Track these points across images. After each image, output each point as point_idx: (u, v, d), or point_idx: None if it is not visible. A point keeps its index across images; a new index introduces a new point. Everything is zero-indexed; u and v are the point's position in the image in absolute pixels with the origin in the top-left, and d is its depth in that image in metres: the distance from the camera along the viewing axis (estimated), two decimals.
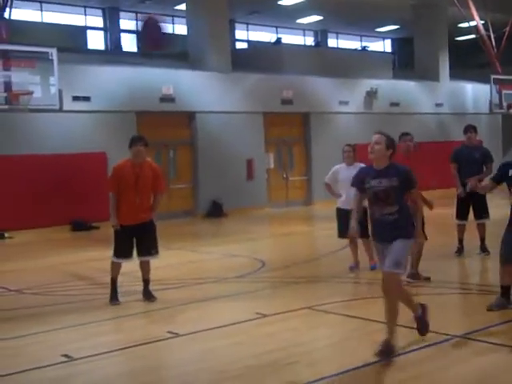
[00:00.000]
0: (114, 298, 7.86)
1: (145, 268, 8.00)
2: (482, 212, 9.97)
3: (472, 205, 9.96)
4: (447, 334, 5.93)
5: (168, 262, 11.12)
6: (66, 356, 5.76)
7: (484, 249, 10.06)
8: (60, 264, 11.27)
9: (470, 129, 10.26)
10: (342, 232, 9.39)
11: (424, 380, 4.91)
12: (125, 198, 7.77)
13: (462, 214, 10.08)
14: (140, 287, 8.07)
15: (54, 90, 14.96)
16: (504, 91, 23.29)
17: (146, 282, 8.02)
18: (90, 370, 5.50)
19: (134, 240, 7.83)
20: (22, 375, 5.38)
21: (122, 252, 7.84)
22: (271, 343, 5.98)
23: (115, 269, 7.94)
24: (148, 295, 7.94)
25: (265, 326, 6.65)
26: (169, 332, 6.41)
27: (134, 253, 7.91)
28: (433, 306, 7.18)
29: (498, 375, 5.02)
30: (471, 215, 10.13)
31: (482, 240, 10.08)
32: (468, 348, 5.69)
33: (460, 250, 10.14)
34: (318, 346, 6.01)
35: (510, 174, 6.47)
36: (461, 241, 10.13)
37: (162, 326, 6.67)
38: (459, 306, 7.60)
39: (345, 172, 9.21)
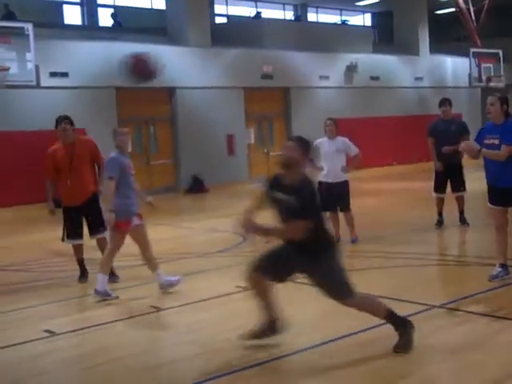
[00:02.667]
0: (82, 275, 7.81)
1: (102, 245, 7.72)
2: (459, 185, 10.06)
3: (449, 178, 10.05)
4: (426, 304, 6.02)
5: (151, 237, 11.07)
6: (48, 331, 5.77)
7: (463, 220, 10.18)
8: (41, 241, 11.22)
9: (445, 102, 10.29)
10: (324, 205, 9.44)
11: None
12: (64, 180, 7.73)
13: (439, 187, 10.16)
14: (120, 263, 8.04)
15: (30, 65, 14.74)
16: (483, 64, 23.40)
17: None
18: (72, 345, 5.52)
19: (84, 219, 7.78)
20: (3, 351, 5.39)
21: (74, 233, 7.77)
22: (253, 316, 6.02)
23: (77, 250, 7.85)
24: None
25: (247, 299, 6.68)
26: (151, 306, 6.43)
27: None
28: (413, 277, 7.30)
29: (476, 344, 5.11)
30: (449, 188, 10.22)
31: (461, 212, 10.19)
32: (446, 318, 5.78)
33: (440, 223, 10.24)
34: (301, 318, 6.06)
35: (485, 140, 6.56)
36: (440, 213, 10.23)
37: (143, 301, 6.69)
38: (438, 277, 7.71)
39: (327, 145, 9.25)
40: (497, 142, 6.47)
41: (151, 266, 7.15)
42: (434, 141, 10.16)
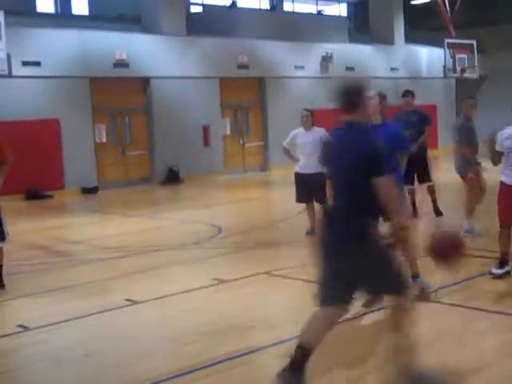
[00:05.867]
0: None
1: None
2: (424, 176, 10.14)
3: (416, 169, 10.04)
4: None
5: (125, 229, 11.06)
6: (21, 326, 5.70)
7: (436, 210, 10.25)
8: (14, 233, 10.97)
9: (408, 93, 10.43)
10: (300, 197, 9.47)
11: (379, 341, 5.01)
12: None
13: (407, 179, 10.22)
14: (99, 255, 7.95)
15: (2, 54, 14.48)
16: (458, 55, 23.53)
17: None
18: (45, 339, 5.45)
19: None
20: None
21: None
22: (229, 308, 6.01)
23: None
24: None
25: (222, 291, 6.68)
26: (126, 300, 6.38)
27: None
28: None
29: (449, 334, 5.15)
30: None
31: (434, 201, 10.28)
32: (422, 308, 5.80)
33: (414, 214, 10.25)
34: (276, 311, 6.06)
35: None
36: (413, 204, 10.24)
37: (119, 294, 6.62)
38: None
39: (303, 136, 9.23)
40: None
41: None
42: None
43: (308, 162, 9.18)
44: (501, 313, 5.48)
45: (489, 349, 4.73)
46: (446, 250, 4.56)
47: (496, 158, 6.46)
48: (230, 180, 19.06)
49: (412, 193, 10.20)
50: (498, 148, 6.40)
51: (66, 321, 5.84)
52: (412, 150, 9.77)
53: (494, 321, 5.36)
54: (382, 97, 5.64)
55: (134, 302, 6.32)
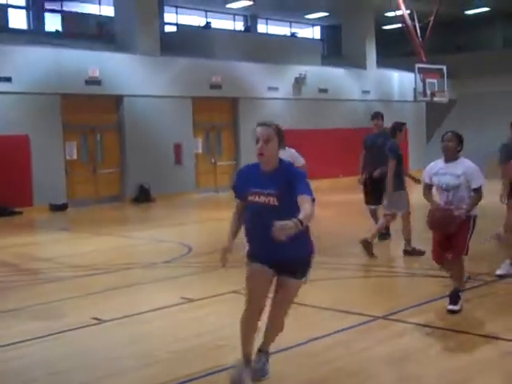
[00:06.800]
0: None
1: None
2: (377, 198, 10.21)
3: (372, 190, 10.12)
4: (370, 316, 6.08)
5: (95, 247, 10.96)
6: None
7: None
8: None
9: (378, 115, 10.53)
10: None
11: (347, 360, 5.02)
12: None
13: (370, 199, 10.32)
14: (68, 273, 7.84)
15: None
16: (428, 80, 23.93)
17: None
18: (10, 357, 5.36)
19: None
20: None
21: None
22: (197, 327, 5.98)
23: None
24: None
25: (191, 310, 6.65)
26: (93, 318, 6.31)
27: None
28: (357, 289, 7.37)
29: (417, 354, 5.18)
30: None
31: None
32: (388, 329, 5.85)
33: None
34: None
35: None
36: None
37: (86, 313, 6.55)
38: (382, 289, 7.79)
39: None
40: (274, 200, 4.38)
41: None
42: (364, 154, 10.48)
43: None
44: (467, 332, 5.55)
45: (456, 368, 4.77)
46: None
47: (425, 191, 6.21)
48: (201, 199, 19.03)
49: (374, 212, 10.28)
50: (426, 180, 6.23)
51: (32, 339, 5.75)
52: (375, 175, 9.92)
53: (461, 340, 5.41)
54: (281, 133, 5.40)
55: (102, 321, 6.25)
